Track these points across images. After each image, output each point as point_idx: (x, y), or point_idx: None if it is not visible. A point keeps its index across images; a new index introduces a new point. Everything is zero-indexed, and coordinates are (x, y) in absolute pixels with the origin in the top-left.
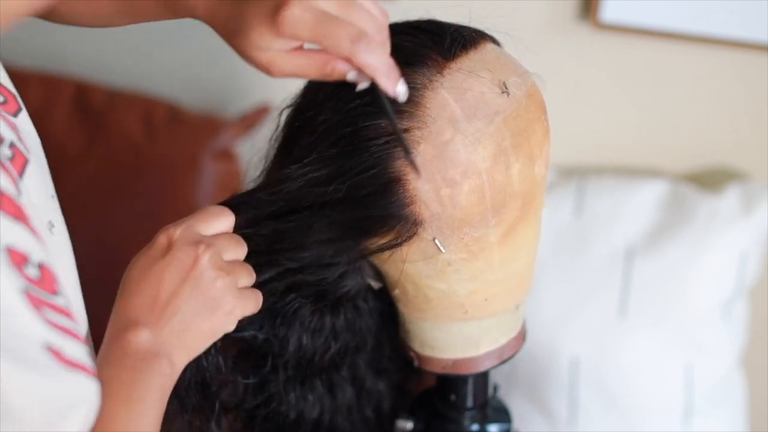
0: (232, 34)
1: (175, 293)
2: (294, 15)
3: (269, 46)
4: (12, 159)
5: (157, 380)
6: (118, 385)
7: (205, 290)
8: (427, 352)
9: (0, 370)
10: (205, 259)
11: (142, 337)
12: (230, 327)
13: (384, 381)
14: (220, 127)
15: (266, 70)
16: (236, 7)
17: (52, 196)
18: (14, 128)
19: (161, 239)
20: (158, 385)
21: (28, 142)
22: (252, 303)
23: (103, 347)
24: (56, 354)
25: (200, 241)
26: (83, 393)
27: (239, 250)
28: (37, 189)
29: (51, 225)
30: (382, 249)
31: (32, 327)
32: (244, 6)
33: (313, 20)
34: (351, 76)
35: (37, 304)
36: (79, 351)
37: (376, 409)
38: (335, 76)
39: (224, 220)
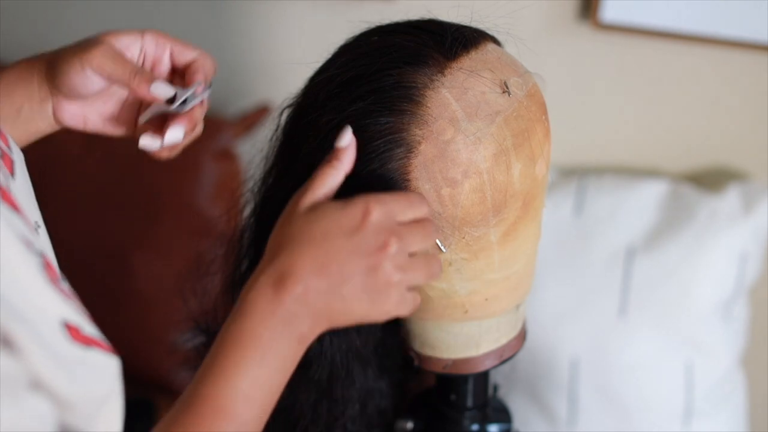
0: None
1: (348, 271)
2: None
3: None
4: (1, 157)
5: (293, 346)
6: (254, 341)
7: (376, 282)
8: (427, 351)
9: (35, 359)
10: (392, 251)
11: (296, 292)
12: (380, 320)
13: (385, 380)
14: (220, 127)
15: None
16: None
17: (34, 197)
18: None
19: (358, 210)
20: (293, 353)
21: (10, 144)
22: (409, 308)
23: (247, 293)
24: (74, 332)
25: (394, 231)
26: (106, 372)
27: (427, 241)
28: (24, 189)
29: (37, 225)
30: None
31: (54, 303)
32: None
33: None
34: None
35: (54, 281)
36: (92, 325)
37: (376, 407)
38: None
39: (421, 210)
